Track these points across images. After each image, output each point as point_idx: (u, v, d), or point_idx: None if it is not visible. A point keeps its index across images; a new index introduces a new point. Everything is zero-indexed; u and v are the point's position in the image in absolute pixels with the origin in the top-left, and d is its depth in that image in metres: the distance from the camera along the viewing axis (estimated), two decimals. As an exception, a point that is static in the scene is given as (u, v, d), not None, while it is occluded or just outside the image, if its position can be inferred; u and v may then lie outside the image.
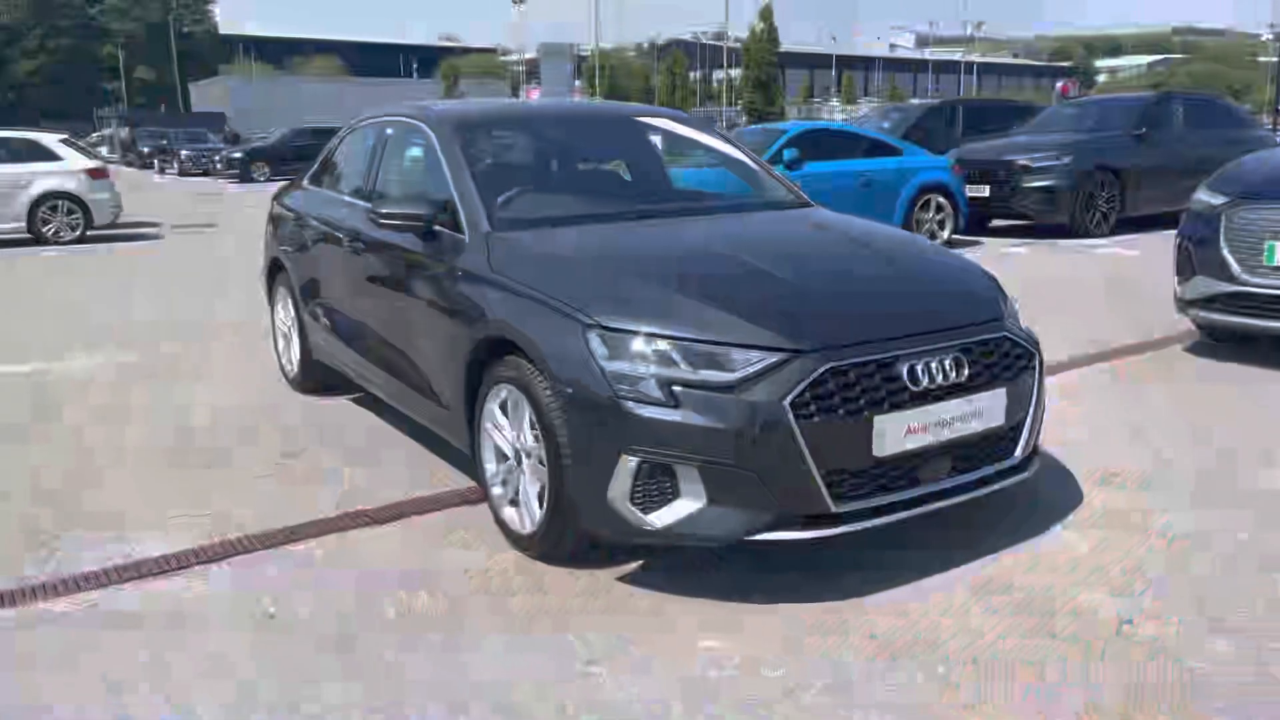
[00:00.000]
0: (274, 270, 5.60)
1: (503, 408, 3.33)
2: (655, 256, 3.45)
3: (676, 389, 2.85)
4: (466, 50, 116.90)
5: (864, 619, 2.89)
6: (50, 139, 13.90)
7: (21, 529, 3.65)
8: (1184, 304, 5.89)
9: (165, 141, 38.05)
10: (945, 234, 11.25)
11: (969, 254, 10.95)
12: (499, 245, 3.55)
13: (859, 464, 2.91)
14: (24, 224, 13.33)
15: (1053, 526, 3.51)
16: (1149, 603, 2.94)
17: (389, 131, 4.61)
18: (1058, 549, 3.33)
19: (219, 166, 33.66)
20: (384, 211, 3.77)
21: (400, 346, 4.09)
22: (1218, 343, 6.13)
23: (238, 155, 32.46)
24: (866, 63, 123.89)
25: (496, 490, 3.45)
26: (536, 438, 3.14)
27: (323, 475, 4.18)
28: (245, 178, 31.50)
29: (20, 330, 7.63)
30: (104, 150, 52.27)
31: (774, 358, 2.87)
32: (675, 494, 2.89)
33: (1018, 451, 3.31)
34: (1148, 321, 6.75)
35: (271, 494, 3.98)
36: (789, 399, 2.81)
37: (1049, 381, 5.30)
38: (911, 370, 2.97)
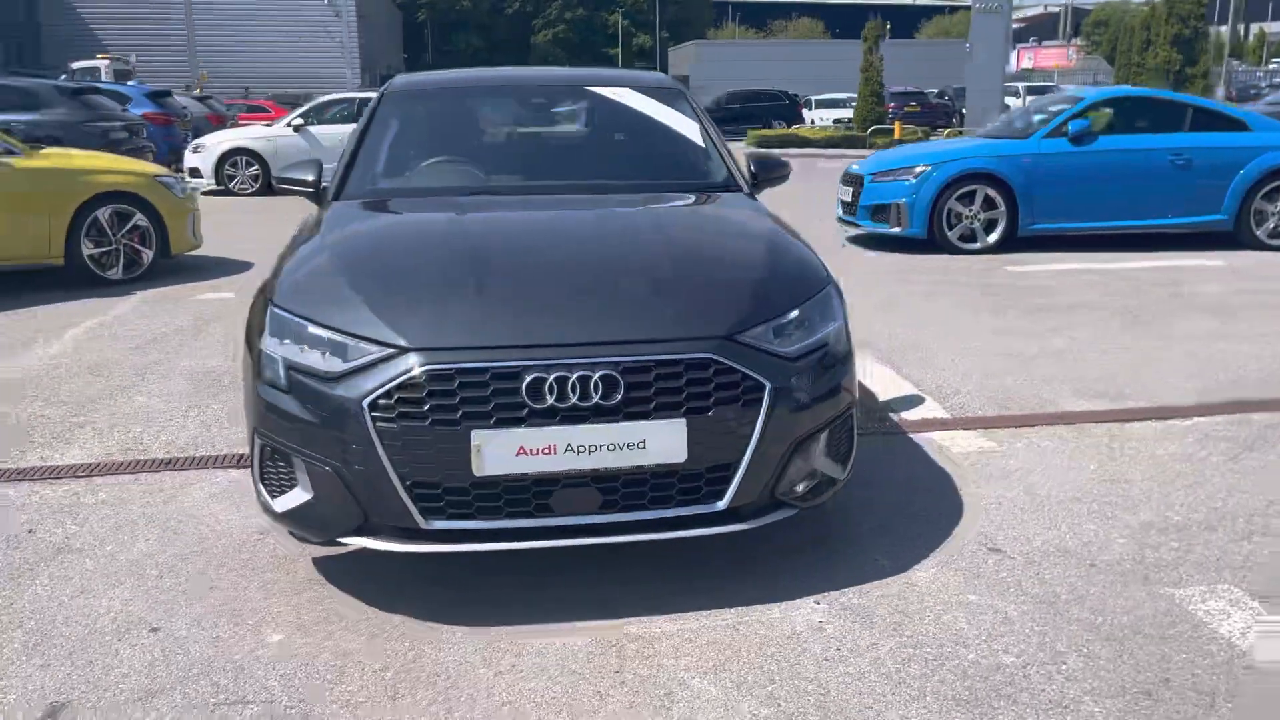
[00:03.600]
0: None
1: None
2: (401, 239, 3.32)
3: (294, 375, 2.77)
4: (954, 8, 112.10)
5: (439, 654, 2.64)
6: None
7: (13, 430, 4.46)
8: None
9: (622, 102, 41.39)
10: (1300, 230, 8.97)
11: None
12: (323, 215, 3.63)
13: (457, 480, 2.63)
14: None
15: (807, 598, 2.87)
16: (752, 707, 2.35)
17: None
18: (767, 624, 2.74)
19: (656, 127, 36.05)
20: (277, 176, 4.01)
21: None
22: None
23: (671, 116, 34.47)
24: None
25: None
26: None
27: (270, 418, 4.57)
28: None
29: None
30: (587, 110, 58.12)
31: (380, 353, 2.68)
32: (293, 482, 2.83)
33: (725, 499, 2.75)
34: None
35: (204, 428, 4.44)
36: (369, 398, 2.62)
37: (1152, 426, 4.27)
38: (536, 384, 2.61)
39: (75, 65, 27.55)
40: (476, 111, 4.36)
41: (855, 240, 9.84)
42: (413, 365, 2.63)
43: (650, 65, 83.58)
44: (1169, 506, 3.45)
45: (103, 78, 24.72)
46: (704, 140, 4.14)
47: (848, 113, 34.80)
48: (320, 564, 3.12)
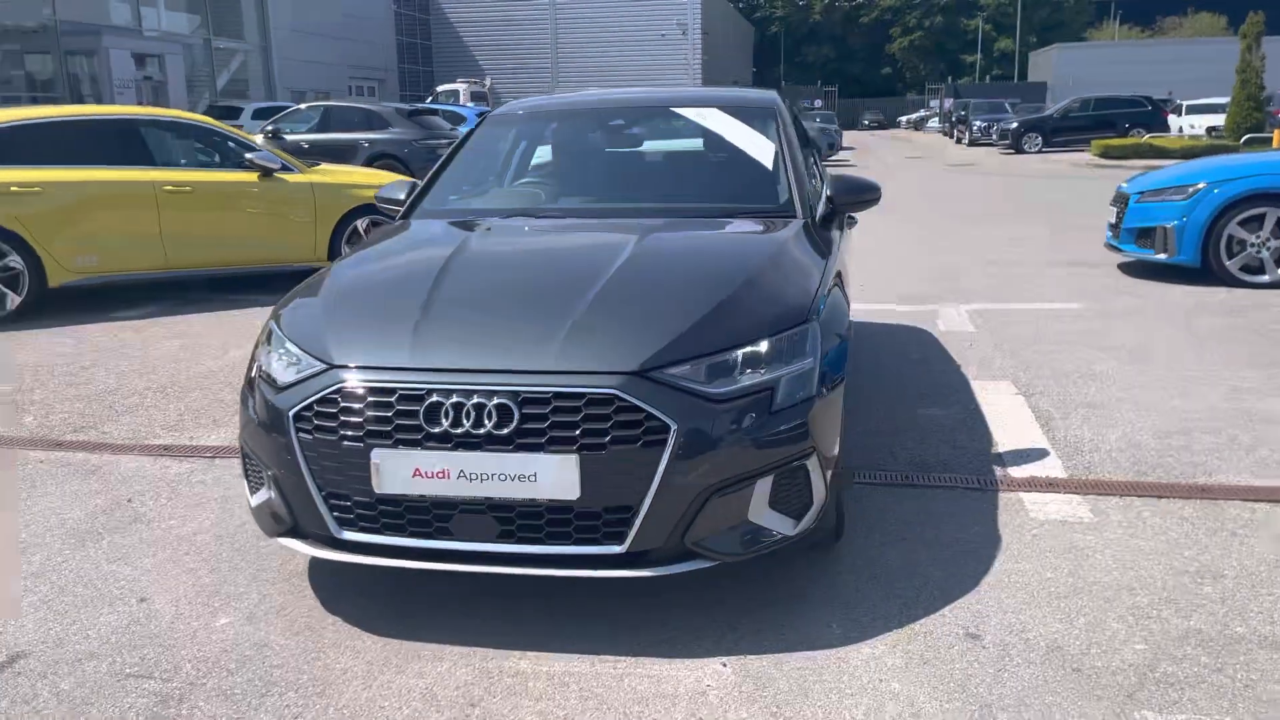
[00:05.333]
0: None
1: None
2: (395, 260, 3.49)
3: (261, 383, 3.00)
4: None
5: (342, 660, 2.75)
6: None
7: (187, 411, 5.16)
8: None
9: (964, 112, 39.56)
10: None
11: None
12: (371, 234, 3.89)
13: (362, 495, 2.73)
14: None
15: (719, 658, 2.67)
16: (558, 767, 2.24)
17: None
18: (653, 680, 2.58)
19: (993, 137, 34.07)
20: (377, 197, 4.33)
21: None
22: None
23: (1011, 126, 32.41)
24: None
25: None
26: None
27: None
28: (1016, 148, 31.47)
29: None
30: (934, 122, 56.12)
31: (316, 368, 2.85)
32: (261, 481, 3.06)
33: (627, 542, 2.63)
34: None
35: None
36: (294, 410, 2.79)
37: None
38: (434, 408, 2.64)
39: (440, 89, 30.97)
40: (560, 136, 4.44)
41: (1123, 268, 8.76)
42: (331, 382, 2.76)
43: (1008, 72, 78.99)
44: (1240, 615, 2.81)
45: (460, 100, 27.59)
46: (774, 163, 3.93)
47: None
48: (315, 559, 3.34)
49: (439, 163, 4.25)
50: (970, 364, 5.66)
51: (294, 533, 2.92)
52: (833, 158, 28.76)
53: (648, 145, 4.34)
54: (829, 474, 2.90)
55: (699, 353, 2.72)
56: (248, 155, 8.15)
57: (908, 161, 28.79)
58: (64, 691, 2.61)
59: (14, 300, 7.31)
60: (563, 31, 45.97)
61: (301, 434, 2.77)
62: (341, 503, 2.77)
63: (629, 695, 2.52)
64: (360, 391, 2.72)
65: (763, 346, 2.80)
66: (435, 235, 3.69)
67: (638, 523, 2.61)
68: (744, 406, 2.69)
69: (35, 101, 25.29)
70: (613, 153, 4.37)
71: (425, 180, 4.20)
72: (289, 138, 16.44)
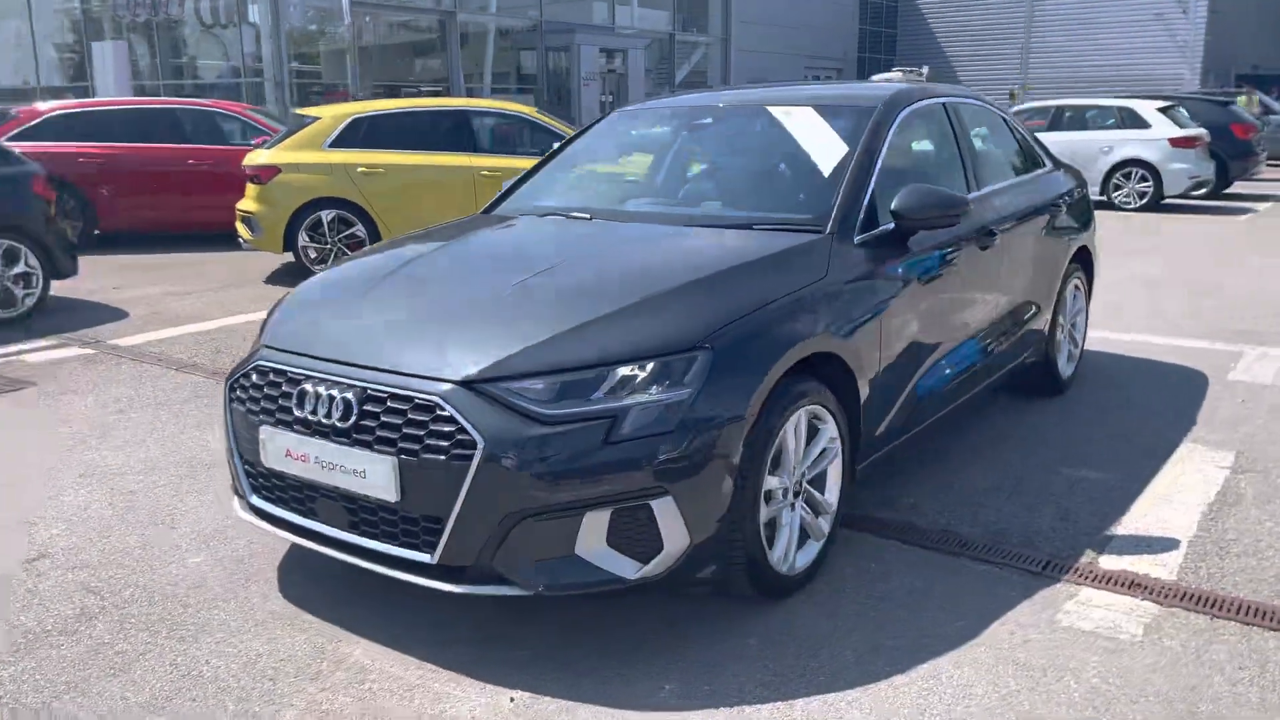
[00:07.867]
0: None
1: None
2: (390, 250, 3.59)
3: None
4: None
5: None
6: (1147, 107, 14.06)
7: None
8: None
9: None
10: None
11: None
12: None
13: (259, 466, 2.93)
14: (1099, 188, 14.05)
15: (512, 691, 2.51)
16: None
17: None
18: (435, 697, 2.50)
19: None
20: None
21: None
22: None
23: None
24: None
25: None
26: None
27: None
28: None
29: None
30: None
31: (256, 345, 3.10)
32: (233, 442, 3.38)
33: (437, 553, 2.56)
34: None
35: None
36: (232, 379, 3.06)
37: None
38: (301, 394, 2.77)
39: (874, 78, 30.35)
40: (648, 136, 4.27)
41: None
42: (255, 358, 3.00)
43: None
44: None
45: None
46: (833, 172, 3.44)
47: None
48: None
49: (541, 159, 4.31)
50: (1211, 423, 4.54)
51: (235, 492, 3.21)
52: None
53: (722, 147, 4.02)
54: (704, 520, 2.58)
55: (551, 368, 2.57)
56: (555, 144, 8.77)
57: None
58: (36, 589, 3.13)
59: (356, 264, 8.59)
60: (1039, 13, 42.81)
61: (232, 404, 3.04)
62: (251, 470, 3.01)
63: (399, 705, 2.47)
64: (263, 368, 2.93)
65: (641, 369, 2.58)
66: (450, 232, 3.79)
67: (445, 535, 2.54)
68: (575, 432, 2.49)
69: (520, 93, 28.96)
70: (678, 156, 4.09)
71: (520, 176, 4.29)
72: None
